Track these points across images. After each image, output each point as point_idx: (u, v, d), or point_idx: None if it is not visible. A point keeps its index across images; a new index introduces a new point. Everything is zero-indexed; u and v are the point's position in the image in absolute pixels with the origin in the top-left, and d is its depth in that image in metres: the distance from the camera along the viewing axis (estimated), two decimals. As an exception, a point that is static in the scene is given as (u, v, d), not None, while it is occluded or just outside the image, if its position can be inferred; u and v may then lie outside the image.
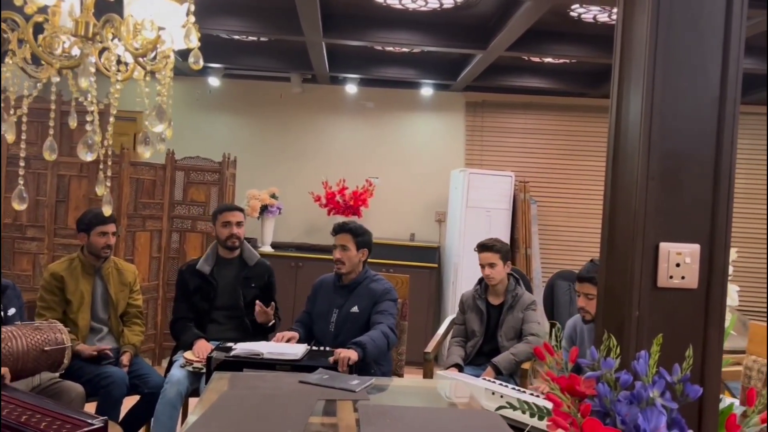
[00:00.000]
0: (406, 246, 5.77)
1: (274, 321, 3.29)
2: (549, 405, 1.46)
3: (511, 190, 5.51)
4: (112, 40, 1.58)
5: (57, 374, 2.80)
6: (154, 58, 1.64)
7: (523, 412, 1.54)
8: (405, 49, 5.17)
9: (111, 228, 3.24)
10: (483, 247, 3.50)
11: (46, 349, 2.64)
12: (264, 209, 5.58)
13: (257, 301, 3.23)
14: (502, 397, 2.56)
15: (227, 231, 3.37)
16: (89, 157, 1.37)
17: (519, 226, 5.59)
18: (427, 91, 6.05)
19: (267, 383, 2.28)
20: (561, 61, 5.29)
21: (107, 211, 1.43)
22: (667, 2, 1.38)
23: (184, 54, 1.62)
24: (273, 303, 3.30)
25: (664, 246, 1.38)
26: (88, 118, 1.45)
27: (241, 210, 3.46)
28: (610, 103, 1.54)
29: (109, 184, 1.42)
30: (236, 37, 5.10)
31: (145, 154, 1.44)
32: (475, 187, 5.40)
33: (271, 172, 6.05)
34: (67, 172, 4.62)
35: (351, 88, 6.03)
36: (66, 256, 3.40)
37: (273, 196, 5.65)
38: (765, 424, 1.17)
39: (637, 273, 1.39)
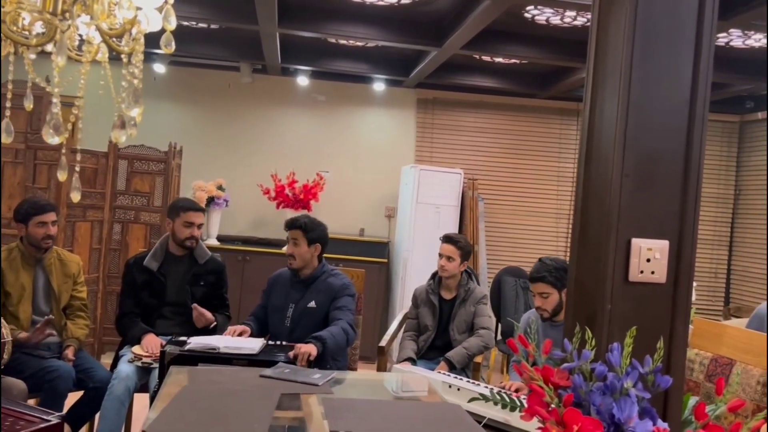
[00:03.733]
0: (355, 241, 5.77)
1: (215, 323, 3.22)
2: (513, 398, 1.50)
3: (460, 187, 5.59)
4: (78, 17, 1.50)
5: (-4, 370, 2.65)
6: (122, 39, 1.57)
7: (495, 404, 1.56)
8: (359, 43, 5.15)
9: (50, 217, 3.06)
10: (448, 240, 3.51)
11: (-16, 343, 2.50)
12: (210, 201, 5.45)
13: (194, 305, 3.15)
14: (459, 390, 2.60)
15: (188, 231, 3.26)
16: (55, 141, 1.30)
17: (467, 223, 5.68)
18: (379, 86, 6.05)
19: (227, 378, 2.23)
20: (511, 61, 5.39)
21: (75, 197, 1.36)
22: (643, 10, 1.43)
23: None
24: (215, 303, 3.23)
25: (635, 242, 1.43)
26: (54, 99, 1.38)
27: (204, 211, 3.41)
28: (584, 102, 1.58)
29: (78, 169, 1.35)
30: (185, 23, 4.95)
31: (121, 138, 1.38)
32: (425, 184, 5.44)
33: (219, 163, 5.91)
34: None
35: (302, 80, 5.96)
36: (4, 246, 3.22)
37: (220, 187, 5.52)
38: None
39: (610, 267, 1.43)
